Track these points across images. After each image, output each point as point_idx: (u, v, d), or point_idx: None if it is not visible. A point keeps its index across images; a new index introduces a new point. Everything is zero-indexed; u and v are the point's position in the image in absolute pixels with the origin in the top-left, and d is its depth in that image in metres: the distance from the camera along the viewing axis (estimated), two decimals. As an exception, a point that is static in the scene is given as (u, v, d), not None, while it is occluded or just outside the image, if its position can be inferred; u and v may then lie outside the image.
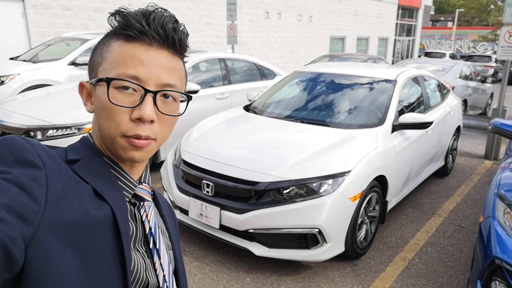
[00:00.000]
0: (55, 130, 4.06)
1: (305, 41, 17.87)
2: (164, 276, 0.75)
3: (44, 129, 4.05)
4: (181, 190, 3.23)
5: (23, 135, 4.03)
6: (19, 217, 0.53)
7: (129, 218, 0.71)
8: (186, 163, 3.30)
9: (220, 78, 5.82)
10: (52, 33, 9.21)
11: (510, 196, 2.51)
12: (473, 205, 4.42)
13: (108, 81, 0.67)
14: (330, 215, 2.82)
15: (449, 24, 42.72)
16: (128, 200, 0.73)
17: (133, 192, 0.74)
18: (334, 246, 2.91)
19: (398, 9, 25.19)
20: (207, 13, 13.26)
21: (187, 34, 0.74)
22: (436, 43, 34.60)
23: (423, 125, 3.66)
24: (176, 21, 0.72)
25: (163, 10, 0.70)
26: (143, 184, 0.78)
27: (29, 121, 4.09)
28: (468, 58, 21.51)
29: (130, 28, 0.68)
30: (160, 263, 0.75)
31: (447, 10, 51.22)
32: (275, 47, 16.29)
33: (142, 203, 0.75)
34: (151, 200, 0.78)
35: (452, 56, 21.80)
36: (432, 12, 42.91)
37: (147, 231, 0.74)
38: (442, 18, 49.72)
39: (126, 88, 0.67)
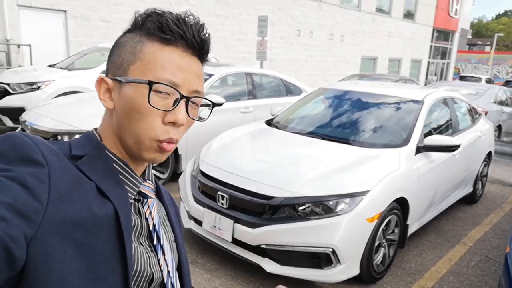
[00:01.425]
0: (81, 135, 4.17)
1: (336, 60, 17.82)
2: (168, 271, 0.75)
3: (71, 134, 4.18)
4: (197, 200, 3.23)
5: (50, 139, 4.19)
6: (21, 215, 0.52)
7: (133, 213, 0.72)
8: (203, 173, 3.31)
9: (246, 92, 5.86)
10: (90, 43, 9.58)
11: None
12: (502, 235, 4.19)
13: (151, 84, 0.67)
14: (345, 235, 2.74)
15: (487, 48, 41.58)
16: (133, 197, 0.73)
17: (138, 190, 0.74)
18: (348, 267, 2.81)
19: (433, 32, 24.81)
20: (239, 29, 13.49)
21: (210, 42, 0.76)
22: (472, 67, 33.69)
23: (450, 148, 3.53)
24: (205, 28, 0.73)
25: (196, 17, 0.71)
26: (147, 181, 0.78)
27: (57, 125, 4.23)
28: (506, 83, 20.80)
29: (170, 32, 0.68)
30: (165, 259, 0.75)
31: (486, 34, 50.09)
32: (305, 65, 16.32)
33: (145, 200, 0.75)
34: (154, 197, 0.78)
35: (489, 81, 21.16)
36: (469, 36, 42.00)
37: (150, 228, 0.74)
38: (479, 42, 48.57)
39: (160, 91, 0.68)
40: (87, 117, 4.33)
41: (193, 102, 0.72)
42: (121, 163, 0.73)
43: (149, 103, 0.67)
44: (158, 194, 0.84)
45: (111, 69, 0.73)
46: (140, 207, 0.75)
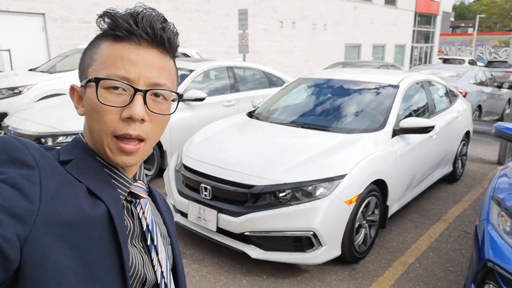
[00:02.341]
0: (65, 137, 4.21)
1: (320, 49, 17.90)
2: (162, 272, 0.76)
3: (54, 136, 4.22)
4: (181, 194, 3.30)
5: (34, 142, 4.22)
6: (14, 216, 0.53)
7: (126, 215, 0.72)
8: (186, 167, 3.38)
9: (228, 86, 5.92)
10: (71, 45, 9.55)
11: (504, 199, 2.48)
12: (481, 211, 4.33)
13: (97, 81, 0.67)
14: (325, 218, 2.84)
15: (470, 30, 42.03)
16: (124, 198, 0.73)
17: (128, 190, 0.75)
18: (329, 249, 2.92)
19: (416, 16, 25.00)
20: (221, 24, 13.49)
21: (177, 33, 0.74)
22: (456, 49, 34.07)
23: (425, 130, 3.64)
24: (165, 20, 0.72)
25: (151, 10, 0.71)
26: (138, 181, 0.78)
27: (40, 129, 4.26)
28: (488, 64, 21.09)
29: (118, 28, 0.68)
30: (158, 259, 0.75)
31: (468, 16, 50.50)
32: (289, 56, 16.38)
33: (138, 200, 0.76)
34: (147, 197, 0.78)
35: (472, 62, 21.42)
36: (452, 19, 42.33)
37: (144, 228, 0.75)
38: (462, 25, 49.03)
39: (115, 88, 0.67)
40: (70, 119, 4.35)
41: (157, 95, 0.71)
42: (108, 165, 0.73)
43: (98, 100, 0.67)
44: (152, 198, 0.84)
45: (79, 76, 0.74)
46: (133, 208, 0.75)
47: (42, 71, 6.96)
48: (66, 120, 4.33)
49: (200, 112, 5.22)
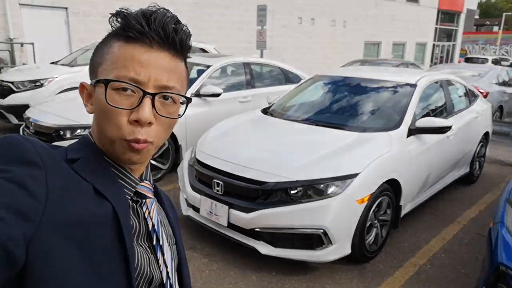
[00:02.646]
0: (83, 130, 4.31)
1: (339, 46, 17.74)
2: (167, 272, 0.76)
3: (73, 129, 4.32)
4: (194, 188, 3.35)
5: (53, 134, 4.30)
6: (20, 215, 0.53)
7: (132, 215, 0.72)
8: (199, 162, 3.42)
9: (244, 82, 5.94)
10: (92, 39, 9.68)
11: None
12: (498, 214, 4.25)
13: (106, 82, 0.67)
14: (336, 216, 2.84)
15: (495, 28, 40.90)
16: (130, 197, 0.74)
17: (134, 190, 0.75)
18: (340, 248, 2.92)
19: (438, 14, 24.47)
20: (240, 19, 13.50)
21: (189, 35, 0.73)
22: (479, 48, 33.20)
23: (441, 130, 3.59)
24: (178, 21, 0.71)
25: (165, 11, 0.70)
26: (145, 181, 0.78)
27: (60, 121, 4.37)
28: (511, 64, 20.50)
29: (130, 29, 0.68)
30: (164, 260, 0.76)
31: (494, 14, 49.17)
32: (308, 52, 16.28)
33: (144, 200, 0.76)
34: (153, 197, 0.78)
35: (495, 62, 20.86)
36: (477, 16, 41.29)
37: (150, 228, 0.75)
38: (487, 23, 47.76)
39: (124, 89, 0.67)
40: (88, 112, 4.45)
41: (165, 98, 0.70)
42: (114, 164, 0.73)
43: (107, 101, 0.67)
44: (158, 198, 0.84)
45: (89, 73, 0.74)
46: (139, 208, 0.75)
47: (63, 64, 7.12)
48: (85, 113, 4.40)
49: (215, 107, 5.26)
